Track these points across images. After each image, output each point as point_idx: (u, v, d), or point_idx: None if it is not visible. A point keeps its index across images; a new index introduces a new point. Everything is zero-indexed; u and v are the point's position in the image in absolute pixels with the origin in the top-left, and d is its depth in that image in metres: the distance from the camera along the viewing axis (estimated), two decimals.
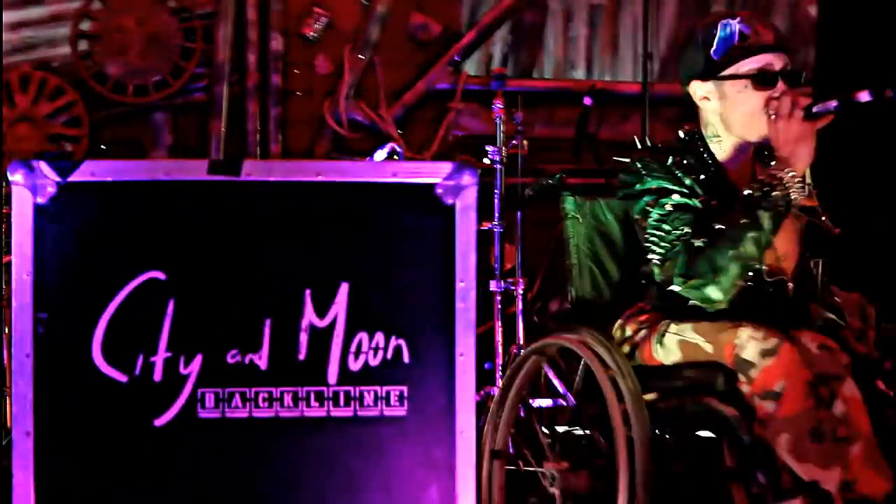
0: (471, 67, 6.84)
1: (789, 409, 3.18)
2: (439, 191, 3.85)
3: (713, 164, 3.55)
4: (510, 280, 5.27)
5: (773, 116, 3.37)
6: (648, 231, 3.45)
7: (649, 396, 3.45)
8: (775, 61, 3.46)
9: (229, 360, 3.71)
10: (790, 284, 3.51)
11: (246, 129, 6.71)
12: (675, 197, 3.44)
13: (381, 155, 4.88)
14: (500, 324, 5.19)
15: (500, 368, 5.13)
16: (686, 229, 3.38)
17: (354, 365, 3.79)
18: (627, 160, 3.58)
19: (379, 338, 3.80)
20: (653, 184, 3.48)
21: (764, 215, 3.31)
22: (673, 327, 3.48)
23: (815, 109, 3.33)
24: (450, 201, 3.85)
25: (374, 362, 3.80)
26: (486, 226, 5.17)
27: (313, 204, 3.80)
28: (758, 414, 3.22)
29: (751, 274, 3.40)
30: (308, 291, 3.78)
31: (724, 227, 3.33)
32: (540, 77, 6.95)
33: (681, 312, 3.46)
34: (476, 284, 3.86)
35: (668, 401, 3.46)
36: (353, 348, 3.79)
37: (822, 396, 3.18)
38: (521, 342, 5.26)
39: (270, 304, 3.75)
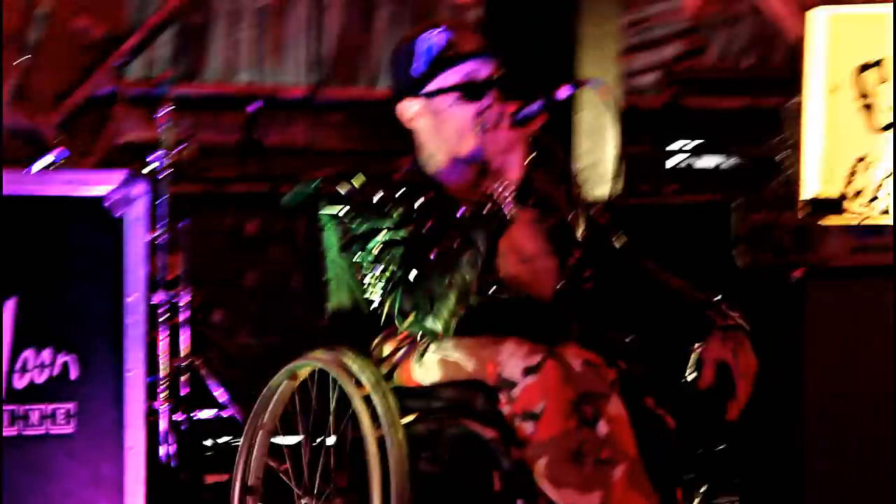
0: (135, 71, 6.77)
1: (548, 430, 3.03)
2: (108, 203, 3.81)
3: (433, 184, 3.37)
4: (174, 291, 5.24)
5: (480, 130, 3.24)
6: (365, 275, 3.27)
7: (407, 419, 3.23)
8: (481, 69, 3.32)
9: None
10: (546, 301, 3.35)
11: None
12: (381, 235, 3.26)
13: (43, 163, 4.76)
14: (164, 336, 5.14)
15: (164, 380, 5.06)
16: (393, 267, 3.22)
17: (19, 383, 3.73)
18: (333, 211, 3.35)
19: (46, 354, 3.74)
20: (357, 229, 3.29)
21: (477, 234, 3.17)
22: (433, 345, 3.27)
23: (520, 115, 3.21)
24: (119, 213, 3.82)
25: (39, 379, 3.74)
26: (151, 235, 5.10)
27: None
28: (518, 436, 3.07)
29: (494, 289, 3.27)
30: None
31: (437, 254, 3.19)
32: (205, 81, 6.93)
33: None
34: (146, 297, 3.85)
35: (426, 423, 3.25)
36: (18, 366, 3.73)
37: (585, 416, 3.04)
38: (185, 353, 5.24)
39: None
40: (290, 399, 3.51)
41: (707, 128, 7.03)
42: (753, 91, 7.35)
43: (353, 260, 3.29)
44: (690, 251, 4.79)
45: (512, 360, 3.10)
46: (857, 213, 4.86)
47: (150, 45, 6.83)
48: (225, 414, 5.32)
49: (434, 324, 3.18)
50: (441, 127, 3.34)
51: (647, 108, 7.24)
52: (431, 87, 3.32)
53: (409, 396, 3.27)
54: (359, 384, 3.21)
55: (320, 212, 3.42)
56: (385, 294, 3.21)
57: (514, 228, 3.27)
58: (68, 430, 3.74)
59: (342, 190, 3.32)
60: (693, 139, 6.79)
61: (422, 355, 3.27)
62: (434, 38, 3.33)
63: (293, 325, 6.29)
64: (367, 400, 3.19)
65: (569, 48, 5.65)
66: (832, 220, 4.80)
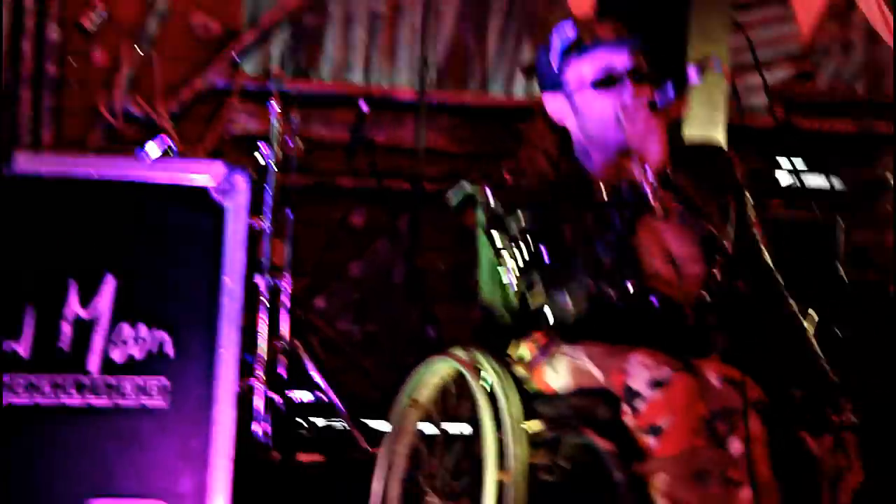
0: (249, 67, 6.87)
1: (671, 446, 2.90)
2: (212, 192, 3.91)
3: (588, 180, 3.26)
4: (277, 275, 5.32)
5: (622, 118, 3.18)
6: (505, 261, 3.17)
7: (535, 426, 3.17)
8: (615, 59, 3.25)
9: None
10: (688, 310, 3.20)
11: (17, 118, 6.62)
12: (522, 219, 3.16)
13: (152, 147, 4.87)
14: (266, 317, 5.22)
15: (262, 361, 5.14)
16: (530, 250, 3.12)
17: (117, 356, 3.82)
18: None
19: (143, 330, 3.83)
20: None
21: (614, 215, 3.12)
22: (565, 349, 3.17)
23: (658, 101, 3.17)
24: (222, 202, 3.91)
25: (137, 354, 3.83)
26: (255, 222, 5.19)
27: (84, 198, 3.82)
28: (641, 449, 2.94)
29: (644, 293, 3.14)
30: (73, 282, 3.79)
31: (572, 233, 3.12)
32: (318, 79, 7.01)
33: (573, 333, 3.18)
34: (244, 281, 3.93)
35: (551, 430, 3.16)
36: (116, 339, 3.82)
37: (718, 433, 2.91)
38: (285, 336, 5.32)
39: (32, 292, 3.75)
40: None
41: (818, 149, 6.98)
42: (865, 116, 7.28)
43: (499, 248, 3.19)
44: (798, 265, 4.78)
45: (640, 372, 2.99)
46: None
47: (265, 42, 6.93)
48: (322, 396, 5.39)
49: (566, 301, 3.10)
50: (587, 122, 3.28)
51: (757, 128, 7.20)
52: (570, 80, 3.28)
53: (540, 401, 3.21)
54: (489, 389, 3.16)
55: (479, 215, 3.34)
56: (521, 276, 3.12)
57: (665, 227, 3.21)
58: (161, 403, 3.82)
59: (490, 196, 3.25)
60: (804, 159, 6.74)
61: (554, 359, 3.19)
62: (564, 31, 3.29)
63: (393, 315, 6.37)
64: (493, 401, 3.14)
65: (679, 68, 5.64)
66: None
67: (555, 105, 3.34)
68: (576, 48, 3.27)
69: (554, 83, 3.32)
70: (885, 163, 5.65)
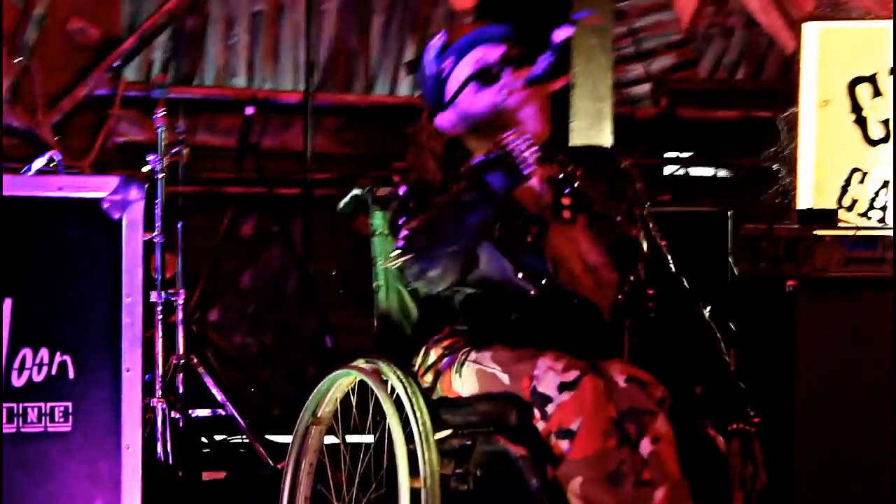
0: (131, 73, 6.78)
1: (584, 449, 2.91)
2: (106, 206, 3.83)
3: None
4: (171, 290, 5.25)
5: (501, 102, 3.21)
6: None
7: (442, 434, 3.15)
8: (488, 53, 3.28)
9: None
10: (606, 314, 3.22)
11: None
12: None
13: (39, 164, 4.78)
14: (160, 334, 5.16)
15: (160, 379, 5.09)
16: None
17: (18, 381, 3.75)
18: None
19: (44, 353, 3.76)
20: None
21: (489, 178, 3.06)
22: (472, 355, 3.17)
23: (532, 75, 3.21)
24: (116, 216, 3.84)
25: (38, 378, 3.76)
26: (147, 235, 5.12)
27: None
28: (554, 454, 2.95)
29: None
30: None
31: (448, 202, 3.09)
32: (201, 84, 6.94)
33: (481, 337, 3.19)
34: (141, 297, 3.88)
35: (460, 438, 3.15)
36: (16, 364, 3.74)
37: (627, 434, 2.93)
38: (181, 352, 5.25)
39: None
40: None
41: (701, 138, 7.07)
42: (747, 103, 7.38)
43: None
44: (685, 259, 4.82)
45: (548, 375, 2.99)
46: (850, 225, 4.89)
47: (146, 47, 6.84)
48: (221, 412, 5.34)
49: (435, 272, 3.07)
50: (475, 120, 3.28)
51: (641, 118, 7.27)
52: (451, 88, 3.29)
53: (447, 408, 3.19)
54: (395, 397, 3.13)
55: (372, 219, 3.39)
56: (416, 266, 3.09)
57: (576, 235, 3.23)
58: (66, 428, 3.76)
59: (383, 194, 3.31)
60: (687, 149, 6.83)
61: (462, 365, 3.17)
62: (436, 45, 3.31)
63: (288, 326, 6.34)
64: (401, 410, 3.11)
65: (563, 59, 5.66)
66: (825, 232, 4.83)
67: (444, 120, 3.34)
68: (451, 55, 3.29)
69: (439, 101, 3.33)
70: (768, 150, 5.72)
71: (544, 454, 2.97)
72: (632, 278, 3.27)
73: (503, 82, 3.24)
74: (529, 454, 2.99)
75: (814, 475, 4.54)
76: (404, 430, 3.10)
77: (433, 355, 3.26)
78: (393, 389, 3.16)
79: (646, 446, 2.93)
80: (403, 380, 3.16)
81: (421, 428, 3.08)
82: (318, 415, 3.43)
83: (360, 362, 3.31)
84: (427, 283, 3.13)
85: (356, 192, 3.38)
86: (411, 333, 3.38)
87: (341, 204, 3.48)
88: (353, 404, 3.37)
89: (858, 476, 4.56)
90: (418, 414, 3.09)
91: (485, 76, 3.26)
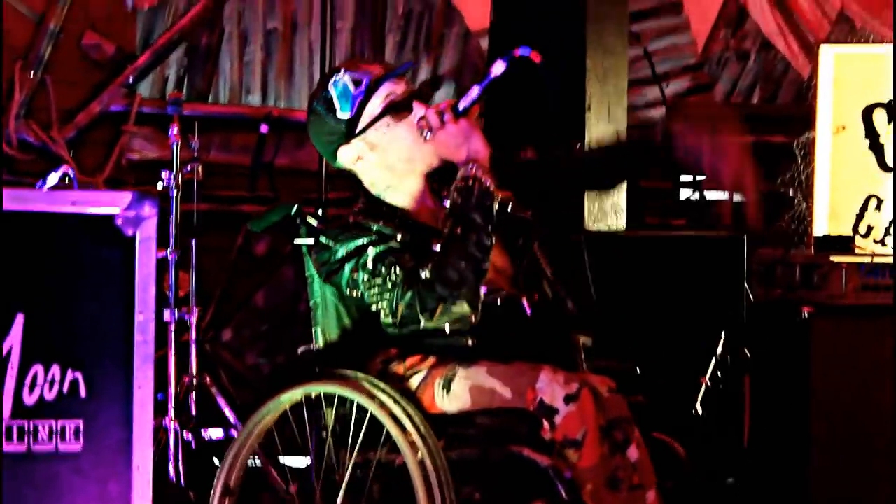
0: (145, 90, 6.77)
1: (590, 457, 3.08)
2: (119, 222, 3.82)
3: (397, 211, 3.42)
4: (184, 309, 5.23)
5: (428, 135, 3.33)
6: (365, 294, 3.28)
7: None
8: (396, 88, 3.40)
9: None
10: (525, 302, 3.37)
11: None
12: (371, 250, 3.28)
13: (53, 179, 4.77)
14: (173, 353, 5.13)
15: (173, 399, 5.06)
16: (397, 269, 3.22)
17: (29, 399, 3.72)
18: (311, 240, 3.44)
19: (55, 370, 3.74)
20: (343, 249, 3.33)
21: (474, 215, 3.21)
22: (462, 372, 3.25)
23: (461, 106, 3.32)
24: (130, 232, 3.83)
25: (49, 396, 3.74)
26: (160, 253, 5.09)
27: None
28: (567, 463, 3.10)
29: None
30: None
31: (443, 244, 3.21)
32: (216, 102, 6.93)
33: (468, 355, 3.27)
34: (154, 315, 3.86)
35: (461, 450, 3.22)
36: (27, 381, 3.72)
37: (616, 442, 3.12)
38: (194, 372, 5.23)
39: None
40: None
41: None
42: (762, 127, 7.36)
43: (345, 281, 3.32)
44: (701, 284, 4.81)
45: (552, 388, 3.12)
46: (866, 252, 4.88)
47: (160, 64, 6.83)
48: (234, 433, 5.30)
49: (463, 307, 3.17)
50: (389, 154, 3.40)
51: (657, 142, 7.26)
52: (364, 121, 3.38)
53: (441, 424, 3.23)
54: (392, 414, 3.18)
55: (296, 241, 3.54)
56: (394, 301, 3.20)
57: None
58: (76, 447, 3.74)
59: (314, 220, 3.44)
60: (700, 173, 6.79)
61: (449, 382, 3.25)
62: (343, 78, 3.39)
63: (302, 346, 6.30)
64: (398, 423, 3.17)
65: (578, 82, 5.65)
66: (841, 258, 4.82)
67: (347, 154, 3.44)
68: (359, 91, 3.37)
69: (346, 134, 3.41)
70: (784, 176, 5.71)
71: (561, 464, 3.10)
72: (524, 266, 3.43)
73: (417, 114, 3.36)
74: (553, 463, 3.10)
75: (829, 499, 4.53)
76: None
77: (396, 371, 3.34)
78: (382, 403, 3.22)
79: (633, 452, 3.13)
80: (393, 393, 3.23)
81: (427, 441, 3.15)
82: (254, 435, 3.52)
83: (334, 377, 3.37)
84: (443, 313, 3.20)
85: (284, 208, 3.52)
86: (348, 350, 3.47)
87: (252, 223, 3.69)
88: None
89: (874, 500, 4.55)
90: (419, 426, 3.16)
91: (395, 107, 3.39)
